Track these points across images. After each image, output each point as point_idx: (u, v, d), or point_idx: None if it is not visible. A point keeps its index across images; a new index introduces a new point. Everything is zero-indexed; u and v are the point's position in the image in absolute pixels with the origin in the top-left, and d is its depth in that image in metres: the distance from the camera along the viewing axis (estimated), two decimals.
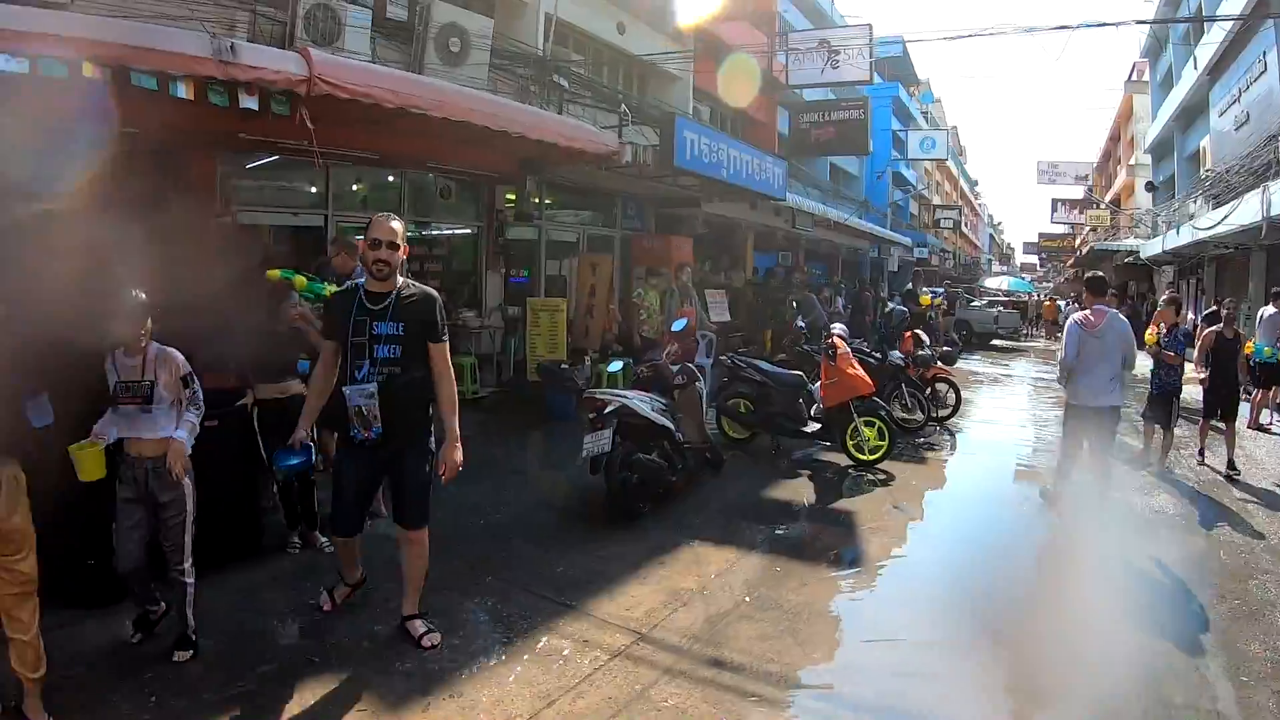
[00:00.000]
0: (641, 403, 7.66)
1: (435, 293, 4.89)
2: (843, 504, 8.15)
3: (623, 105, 13.51)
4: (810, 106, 26.25)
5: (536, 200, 14.38)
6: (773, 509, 7.79)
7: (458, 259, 13.99)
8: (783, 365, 10.78)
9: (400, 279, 4.76)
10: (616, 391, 7.86)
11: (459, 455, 4.70)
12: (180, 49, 7.18)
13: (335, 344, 4.76)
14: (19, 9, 6.63)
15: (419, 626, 4.91)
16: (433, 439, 4.88)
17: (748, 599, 5.67)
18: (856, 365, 9.46)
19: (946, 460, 10.45)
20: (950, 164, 61.11)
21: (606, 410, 7.42)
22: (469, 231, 13.93)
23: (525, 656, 4.79)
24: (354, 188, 12.13)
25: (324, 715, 4.17)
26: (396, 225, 4.69)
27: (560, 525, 7.22)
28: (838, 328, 10.12)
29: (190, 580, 4.66)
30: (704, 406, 8.89)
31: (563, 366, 11.84)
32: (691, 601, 5.60)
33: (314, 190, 11.46)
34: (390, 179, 12.53)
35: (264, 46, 8.33)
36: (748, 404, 10.00)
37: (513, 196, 13.67)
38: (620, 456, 7.33)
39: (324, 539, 6.32)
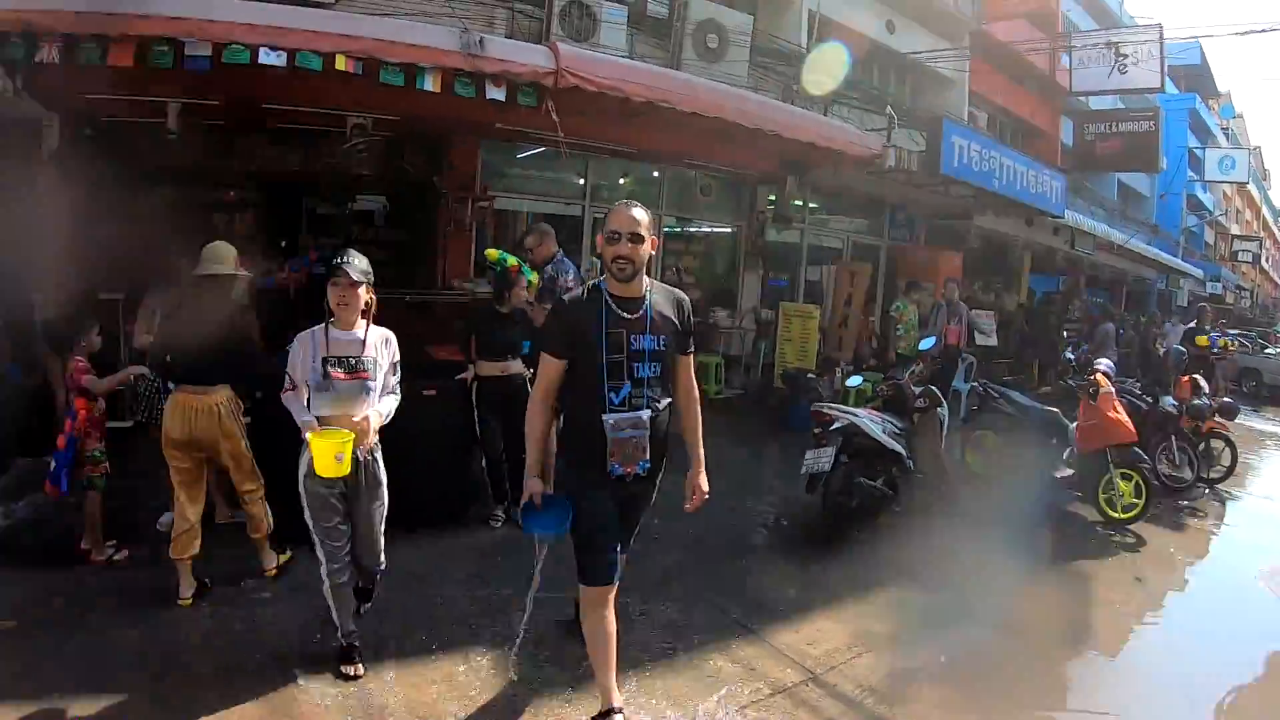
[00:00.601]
0: (873, 423, 7.18)
1: (684, 295, 4.18)
2: (1078, 565, 7.14)
3: (889, 107, 12.82)
4: (1095, 116, 23.61)
5: (800, 203, 14.09)
6: (997, 558, 6.85)
7: (716, 257, 13.97)
8: (1045, 400, 9.77)
9: (646, 280, 3.95)
10: (847, 408, 7.42)
11: (706, 482, 4.12)
12: (429, 43, 7.57)
13: (564, 363, 3.88)
14: (282, 8, 7.20)
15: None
16: None
17: (942, 657, 5.07)
18: (1120, 409, 8.28)
19: (1211, 531, 8.73)
20: (1252, 189, 52.46)
21: (833, 426, 7.04)
22: (728, 231, 13.87)
23: (684, 671, 4.61)
24: (615, 181, 12.35)
25: (460, 686, 4.34)
26: (640, 214, 3.83)
27: (765, 542, 6.92)
28: (1103, 363, 9.00)
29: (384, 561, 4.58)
30: (944, 434, 8.19)
31: (809, 376, 11.42)
32: (879, 648, 5.11)
33: (576, 182, 11.85)
34: (652, 174, 12.67)
35: (513, 41, 8.59)
36: (995, 437, 9.14)
37: (773, 197, 13.39)
38: (840, 477, 6.92)
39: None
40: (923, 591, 6.05)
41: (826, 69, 12.18)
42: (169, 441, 5.03)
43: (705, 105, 9.07)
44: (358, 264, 4.25)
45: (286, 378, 4.29)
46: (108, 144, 9.74)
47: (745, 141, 10.44)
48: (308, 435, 4.05)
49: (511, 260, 6.88)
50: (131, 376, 5.87)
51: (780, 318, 12.78)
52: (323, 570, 4.30)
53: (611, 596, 3.94)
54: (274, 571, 5.42)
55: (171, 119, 8.63)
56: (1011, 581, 6.40)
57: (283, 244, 11.04)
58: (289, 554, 5.49)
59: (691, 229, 13.70)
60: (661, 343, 3.88)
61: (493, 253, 7.02)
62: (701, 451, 4.17)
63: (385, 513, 4.47)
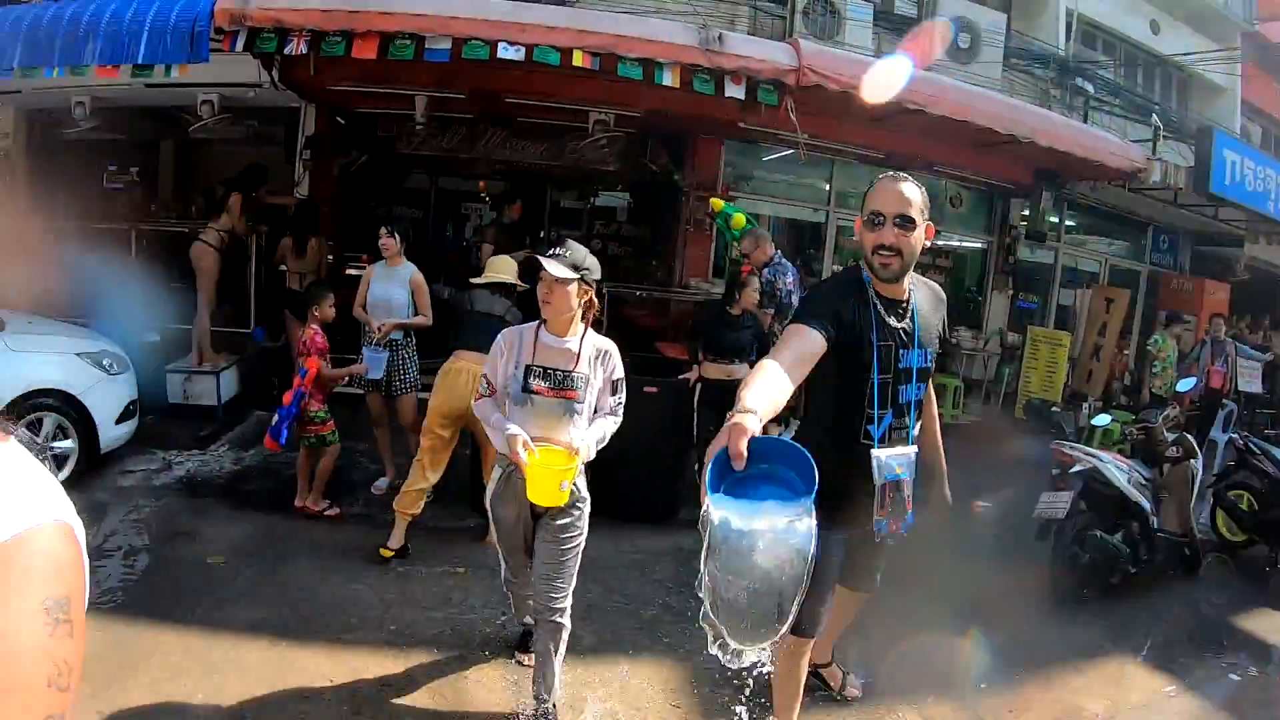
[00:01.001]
0: (1118, 470, 6.42)
1: (942, 292, 3.42)
2: None
3: (1154, 116, 11.73)
4: None
5: (1055, 219, 13.14)
6: (1238, 643, 6.00)
7: (963, 273, 13.33)
8: None
9: (907, 279, 3.10)
10: (1090, 450, 6.64)
11: (950, 495, 3.78)
12: (667, 38, 7.66)
13: (824, 345, 2.81)
14: (520, 4, 7.68)
15: (837, 673, 4.46)
16: None
17: None
18: None
19: None
20: None
21: (1073, 469, 6.37)
22: (978, 245, 13.20)
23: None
24: (860, 187, 11.79)
25: (629, 692, 4.29)
26: (911, 191, 2.97)
27: (978, 588, 6.22)
28: None
29: (567, 624, 3.80)
30: (1195, 491, 7.16)
31: (1054, 409, 10.46)
32: None
33: (820, 186, 11.73)
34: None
35: (753, 37, 8.50)
36: (1252, 500, 7.92)
37: (1027, 211, 12.57)
38: (1075, 527, 6.22)
39: None
40: (1143, 669, 5.36)
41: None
42: (438, 410, 5.39)
43: (954, 108, 8.65)
44: (568, 256, 3.53)
45: (483, 380, 3.73)
46: (359, 132, 10.59)
47: (997, 149, 10.02)
48: (522, 454, 3.37)
49: (738, 214, 6.72)
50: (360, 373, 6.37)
51: (1027, 343, 11.99)
52: (502, 571, 4.14)
53: (810, 646, 3.53)
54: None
55: (419, 110, 9.26)
56: (1243, 673, 5.59)
57: (527, 238, 11.34)
58: None
59: (939, 241, 12.97)
60: (929, 358, 3.19)
61: (718, 202, 6.96)
62: (944, 462, 3.72)
63: (577, 558, 3.77)
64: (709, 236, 10.55)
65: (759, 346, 6.70)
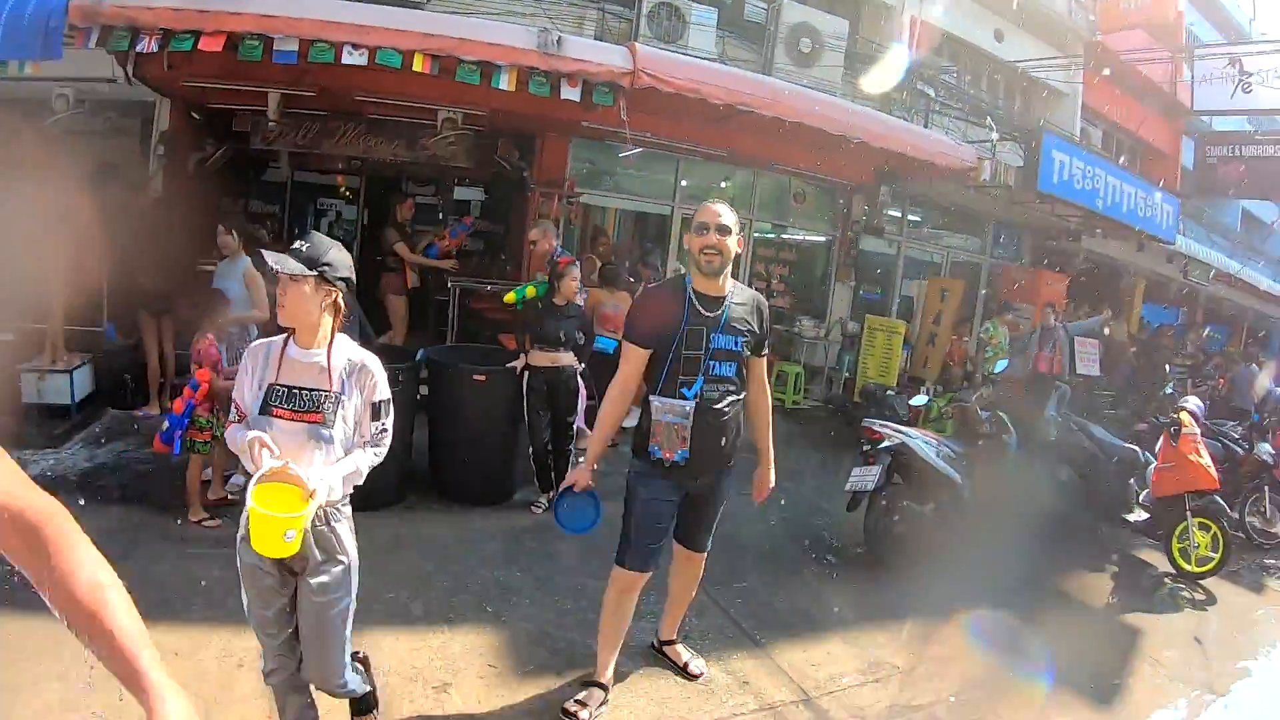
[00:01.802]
0: (926, 445, 6.97)
1: (764, 300, 4.24)
2: (1133, 619, 6.64)
3: (988, 119, 12.47)
4: (1218, 138, 21.47)
5: (898, 214, 13.99)
6: (1048, 604, 6.63)
7: (808, 266, 13.87)
8: (1141, 439, 9.17)
9: (731, 281, 4.04)
10: (899, 427, 7.16)
11: (773, 477, 4.44)
12: (506, 41, 7.88)
13: (648, 353, 3.96)
14: (367, 6, 7.71)
15: (682, 653, 4.76)
16: None
17: (952, 699, 4.88)
18: (1203, 452, 7.75)
19: None
20: None
21: (882, 445, 6.87)
22: (822, 239, 13.74)
23: (674, 677, 4.61)
24: (706, 183, 12.45)
25: (450, 657, 4.46)
26: (726, 209, 3.95)
27: (801, 557, 6.81)
28: (1190, 401, 8.40)
29: (359, 686, 3.49)
30: (1009, 463, 7.82)
31: (889, 392, 11.10)
32: (887, 680, 4.97)
33: (667, 182, 12.01)
34: (746, 179, 12.70)
35: (591, 40, 8.76)
36: (1070, 472, 8.71)
37: (868, 207, 13.20)
38: (886, 499, 6.77)
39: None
40: (952, 626, 5.83)
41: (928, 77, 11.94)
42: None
43: (787, 110, 9.06)
44: (305, 250, 3.04)
45: (233, 406, 3.17)
46: (214, 128, 10.50)
47: (835, 149, 10.38)
48: (264, 459, 2.84)
49: (530, 290, 7.16)
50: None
51: (865, 331, 12.58)
52: (260, 664, 3.36)
53: (640, 584, 4.18)
54: None
55: (271, 107, 9.33)
56: (1055, 626, 6.13)
57: (440, 215, 12.24)
58: None
59: (785, 236, 13.61)
60: (738, 344, 3.98)
61: (510, 297, 7.35)
62: (770, 449, 4.39)
63: (345, 625, 3.26)
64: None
65: (585, 333, 7.08)
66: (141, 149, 10.47)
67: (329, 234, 3.80)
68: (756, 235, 13.04)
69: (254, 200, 12.39)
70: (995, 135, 12.01)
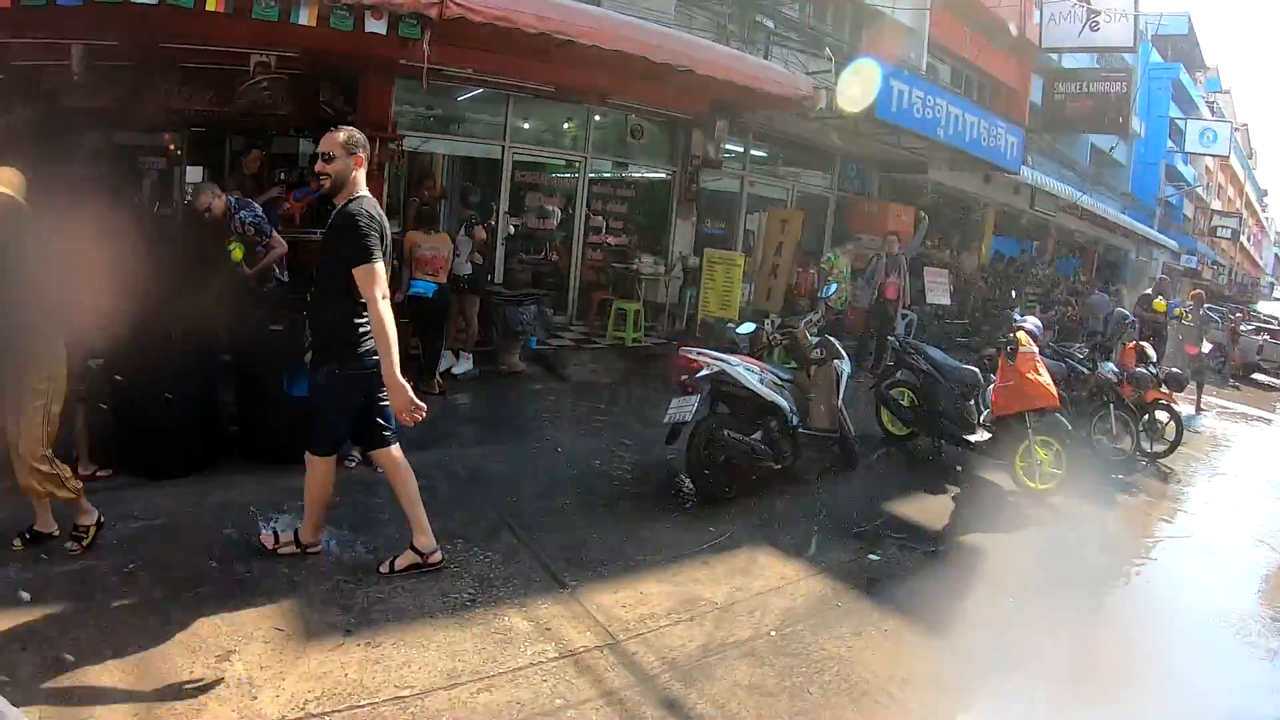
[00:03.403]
0: (748, 372, 6.72)
1: (359, 212, 4.31)
2: (976, 539, 6.43)
3: (826, 49, 12.22)
4: (1066, 75, 22.59)
5: (740, 149, 13.78)
6: (885, 528, 6.41)
7: (649, 203, 13.55)
8: (986, 364, 8.97)
9: (356, 197, 4.40)
10: (718, 355, 6.84)
11: (400, 398, 4.21)
12: None
13: None
14: None
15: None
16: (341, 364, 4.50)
17: (773, 633, 4.63)
18: (1042, 370, 7.71)
19: (1143, 510, 8.03)
20: (1236, 165, 51.47)
21: (699, 374, 6.57)
22: (663, 176, 13.40)
23: (471, 627, 4.28)
24: (536, 121, 12.08)
25: (240, 631, 4.03)
26: (331, 137, 4.39)
27: (622, 496, 6.48)
28: (1028, 321, 8.32)
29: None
30: (842, 389, 7.56)
31: (728, 325, 10.85)
32: (703, 618, 4.70)
33: (496, 122, 11.48)
34: (582, 116, 12.28)
35: None
36: (912, 396, 8.62)
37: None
38: (707, 430, 6.46)
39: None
40: (776, 558, 5.62)
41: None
42: None
43: (605, 37, 8.73)
44: None
45: None
46: (21, 89, 9.72)
47: (665, 80, 10.19)
48: None
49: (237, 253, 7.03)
50: None
51: (704, 265, 12.34)
52: None
53: (329, 466, 4.62)
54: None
55: (75, 61, 8.86)
56: (895, 551, 5.99)
57: (281, 176, 11.02)
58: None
59: (624, 174, 13.33)
60: (326, 252, 4.51)
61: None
62: (389, 368, 4.22)
63: None
64: (381, 176, 10.16)
65: None
66: None
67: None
68: (593, 175, 12.70)
69: (71, 164, 11.47)
70: (832, 64, 11.75)
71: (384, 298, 4.23)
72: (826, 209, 15.90)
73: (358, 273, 4.20)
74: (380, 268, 4.25)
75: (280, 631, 4.05)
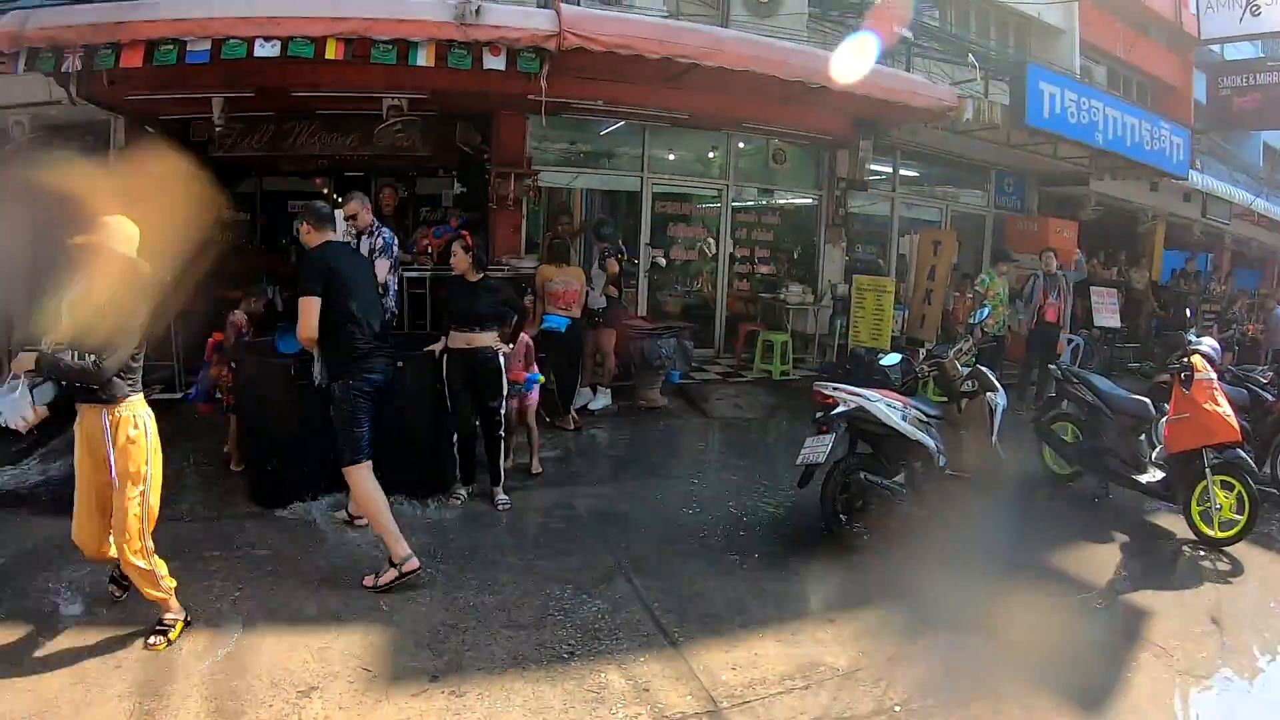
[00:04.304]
0: (889, 408, 6.06)
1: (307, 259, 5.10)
2: (1143, 597, 5.46)
3: (969, 56, 11.46)
4: (1230, 67, 19.67)
5: (889, 169, 13.14)
6: (1042, 581, 5.66)
7: (795, 230, 13.03)
8: (1159, 390, 7.91)
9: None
10: (855, 390, 6.23)
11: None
12: (418, 16, 7.46)
13: None
14: None
15: None
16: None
17: (897, 707, 4.03)
18: (1221, 399, 6.64)
19: None
20: None
21: (836, 411, 5.99)
22: (809, 201, 12.88)
23: (564, 682, 4.00)
24: (675, 151, 11.82)
25: (327, 668, 3.99)
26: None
27: (752, 542, 5.95)
28: (1205, 343, 7.15)
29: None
30: (996, 424, 6.70)
31: (878, 355, 10.08)
32: (821, 687, 4.15)
33: (633, 154, 11.32)
34: (720, 143, 11.94)
35: (513, 6, 8.12)
36: (1076, 430, 7.75)
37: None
38: (843, 472, 5.90)
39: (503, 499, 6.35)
40: (913, 618, 4.95)
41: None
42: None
43: (731, 58, 8.34)
44: None
45: None
46: (172, 140, 10.12)
47: (803, 101, 9.78)
48: None
49: None
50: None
51: (854, 292, 11.57)
52: None
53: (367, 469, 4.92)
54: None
55: (216, 112, 9.27)
56: (1043, 611, 5.21)
57: (424, 212, 11.93)
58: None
59: (766, 201, 12.81)
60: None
61: None
62: None
63: None
64: (518, 213, 10.32)
65: (511, 310, 6.57)
66: (98, 166, 9.99)
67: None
68: (736, 203, 12.26)
69: (228, 212, 12.05)
70: (977, 71, 10.99)
71: (306, 327, 4.85)
72: (983, 228, 14.94)
73: (299, 303, 4.88)
74: (309, 300, 4.83)
75: (367, 671, 3.96)
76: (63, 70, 7.46)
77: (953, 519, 6.23)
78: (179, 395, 8.18)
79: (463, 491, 6.39)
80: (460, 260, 6.25)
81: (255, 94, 9.12)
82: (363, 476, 4.87)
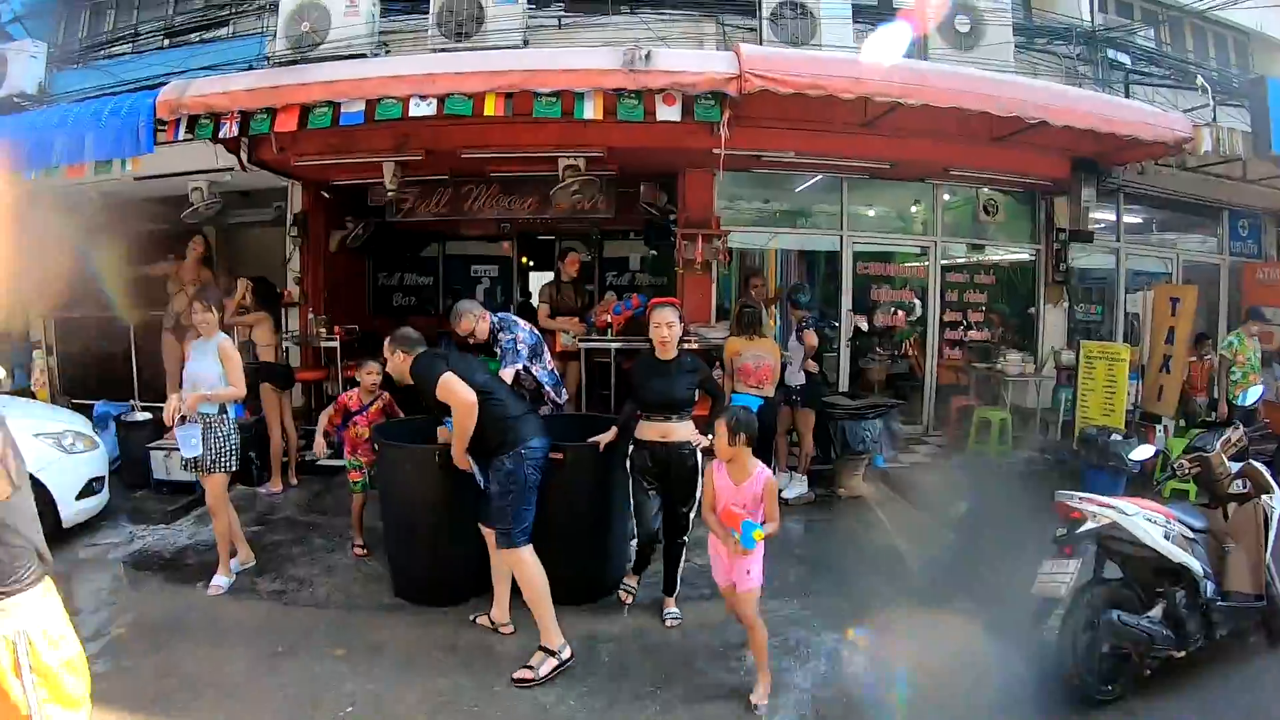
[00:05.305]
0: (1149, 524, 4.67)
1: (418, 368, 4.95)
2: None
3: (1199, 78, 9.70)
4: None
5: (1108, 216, 11.32)
6: None
7: (1011, 289, 11.38)
8: None
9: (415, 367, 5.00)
10: (1107, 501, 4.82)
11: None
12: (582, 65, 6.94)
13: None
14: (443, 56, 7.53)
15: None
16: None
17: None
18: None
19: None
20: None
21: (1082, 529, 4.65)
22: (1025, 256, 11.22)
23: None
24: (876, 204, 10.66)
25: None
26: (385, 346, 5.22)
27: (961, 695, 4.56)
28: None
29: None
30: (1271, 537, 5.17)
31: (1114, 437, 8.38)
32: None
33: (830, 210, 10.28)
34: (924, 195, 10.67)
35: (686, 50, 7.37)
36: None
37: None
38: (1089, 606, 4.55)
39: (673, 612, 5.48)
40: None
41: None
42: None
43: (935, 95, 7.12)
44: None
45: None
46: (352, 205, 10.84)
47: (1015, 142, 8.60)
48: None
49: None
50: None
51: (1081, 360, 9.73)
52: None
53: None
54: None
55: (387, 177, 9.10)
56: None
57: (609, 277, 12.13)
58: None
59: (977, 258, 11.24)
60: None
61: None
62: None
63: None
64: (707, 277, 9.42)
65: (711, 393, 5.66)
66: (279, 233, 10.65)
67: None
68: (945, 261, 10.81)
69: (408, 274, 12.55)
70: (1209, 95, 9.23)
71: (461, 392, 4.67)
72: (1217, 280, 12.73)
73: (439, 393, 4.75)
74: (446, 377, 4.71)
75: None
76: (220, 136, 7.49)
77: (1227, 665, 4.81)
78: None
79: (632, 584, 5.73)
80: (672, 330, 5.38)
81: (425, 156, 8.81)
82: (527, 558, 4.74)
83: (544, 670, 4.49)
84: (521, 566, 4.70)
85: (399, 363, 5.04)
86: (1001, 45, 8.52)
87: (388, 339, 5.16)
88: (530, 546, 4.74)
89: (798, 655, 5.00)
